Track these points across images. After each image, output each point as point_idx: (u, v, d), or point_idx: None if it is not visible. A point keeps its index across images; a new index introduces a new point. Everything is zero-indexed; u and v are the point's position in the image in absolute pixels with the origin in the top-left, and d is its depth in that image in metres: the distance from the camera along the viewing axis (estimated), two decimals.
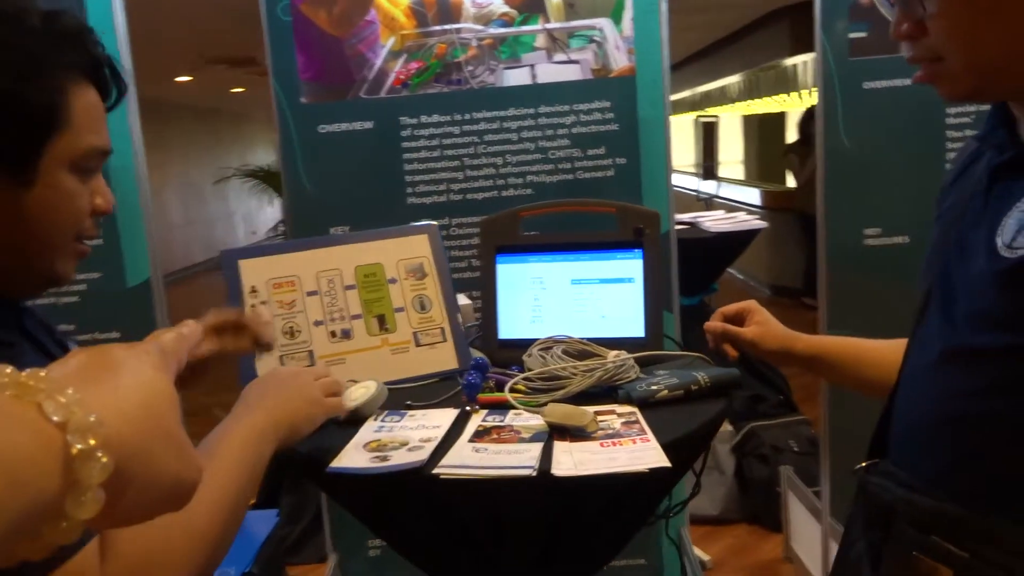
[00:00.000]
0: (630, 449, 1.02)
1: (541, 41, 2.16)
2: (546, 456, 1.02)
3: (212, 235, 12.51)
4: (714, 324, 1.25)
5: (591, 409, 1.12)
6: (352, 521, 2.28)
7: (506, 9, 2.15)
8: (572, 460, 1.00)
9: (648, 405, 1.17)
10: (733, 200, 8.39)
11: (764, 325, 1.22)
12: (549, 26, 2.15)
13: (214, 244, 12.16)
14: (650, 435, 1.05)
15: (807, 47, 6.93)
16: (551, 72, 2.17)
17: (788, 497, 2.78)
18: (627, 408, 1.16)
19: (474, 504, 1.03)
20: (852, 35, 2.16)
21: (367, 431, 1.14)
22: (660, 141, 2.19)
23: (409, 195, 2.20)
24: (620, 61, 2.15)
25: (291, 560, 2.91)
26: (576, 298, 1.40)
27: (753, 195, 8.21)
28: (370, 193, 2.20)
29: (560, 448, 1.04)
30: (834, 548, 2.31)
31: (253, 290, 1.34)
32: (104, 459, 0.39)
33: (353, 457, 1.05)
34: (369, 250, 1.41)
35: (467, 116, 2.18)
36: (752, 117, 11.52)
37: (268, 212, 12.93)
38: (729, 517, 3.10)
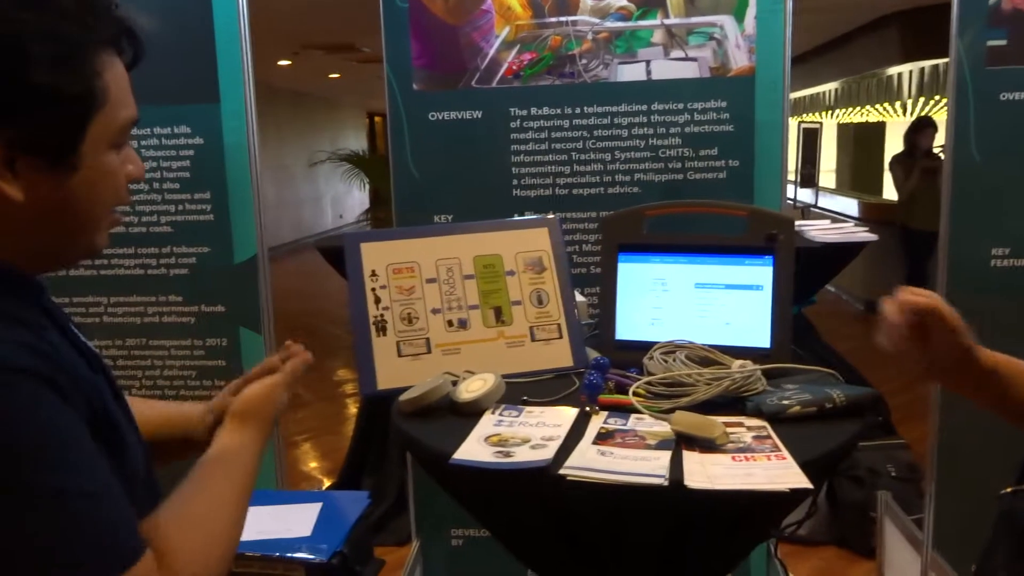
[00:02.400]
0: (765, 466, 0.97)
1: (659, 37, 2.11)
2: (676, 466, 0.98)
3: (300, 216, 12.79)
4: (897, 317, 0.97)
5: (720, 420, 1.07)
6: (436, 508, 2.29)
7: (624, 3, 2.10)
8: (705, 472, 0.95)
9: (778, 420, 1.11)
10: (828, 210, 8.11)
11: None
12: (668, 21, 2.09)
13: (302, 225, 12.44)
14: (786, 453, 1.00)
15: (915, 56, 6.65)
16: (667, 69, 2.11)
17: (884, 524, 2.66)
18: (756, 422, 1.11)
19: (596, 508, 0.99)
20: (990, 43, 2.03)
21: (487, 424, 1.12)
22: (776, 145, 2.11)
23: (515, 187, 2.17)
24: (740, 60, 2.08)
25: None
26: (699, 302, 1.35)
27: (850, 205, 7.92)
28: (476, 183, 2.18)
29: (690, 459, 0.99)
30: None
31: (373, 274, 1.33)
32: None
33: (475, 450, 1.03)
34: (488, 240, 1.39)
35: (578, 110, 2.14)
36: (847, 125, 11.15)
37: (356, 196, 13.14)
38: (817, 538, 2.99)
